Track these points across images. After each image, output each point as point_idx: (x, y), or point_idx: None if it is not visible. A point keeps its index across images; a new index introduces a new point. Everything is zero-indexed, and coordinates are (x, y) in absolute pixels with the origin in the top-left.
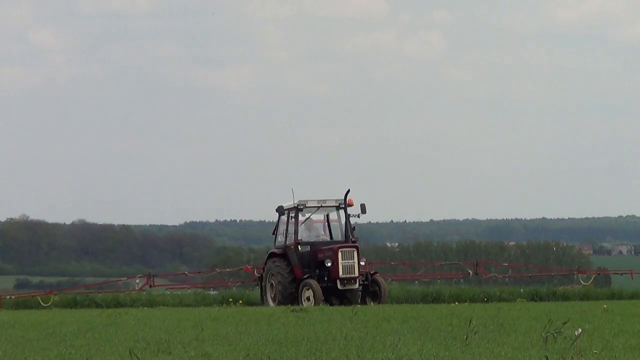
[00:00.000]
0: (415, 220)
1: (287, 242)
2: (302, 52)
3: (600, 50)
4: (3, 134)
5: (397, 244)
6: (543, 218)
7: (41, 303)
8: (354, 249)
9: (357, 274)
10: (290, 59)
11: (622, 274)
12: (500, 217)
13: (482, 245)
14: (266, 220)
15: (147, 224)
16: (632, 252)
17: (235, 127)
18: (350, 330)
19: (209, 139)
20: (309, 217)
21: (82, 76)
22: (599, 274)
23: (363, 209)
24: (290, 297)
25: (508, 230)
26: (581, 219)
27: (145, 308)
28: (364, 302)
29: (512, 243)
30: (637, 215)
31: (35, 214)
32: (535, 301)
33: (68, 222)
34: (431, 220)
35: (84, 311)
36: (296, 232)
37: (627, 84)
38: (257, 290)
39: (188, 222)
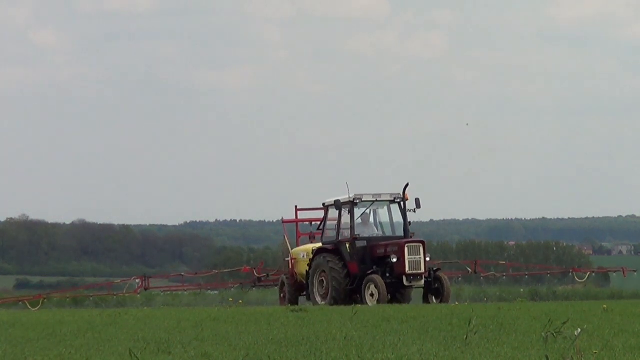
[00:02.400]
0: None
1: (341, 237)
2: (302, 52)
3: (601, 50)
4: (3, 134)
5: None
6: (543, 218)
7: (29, 307)
8: (420, 244)
9: (423, 270)
10: (291, 59)
11: (615, 272)
12: (500, 217)
13: (482, 245)
14: (266, 220)
15: (147, 224)
16: (632, 252)
17: (235, 127)
18: (350, 330)
19: (209, 139)
20: (365, 211)
21: (83, 76)
22: (593, 273)
23: (418, 203)
24: (345, 294)
25: (508, 230)
26: (581, 219)
27: (145, 308)
28: (426, 300)
29: (512, 243)
30: (637, 215)
31: (35, 214)
32: (535, 301)
33: (68, 222)
34: (431, 220)
35: (84, 311)
36: (352, 227)
37: (627, 83)
38: (254, 291)
39: (188, 222)
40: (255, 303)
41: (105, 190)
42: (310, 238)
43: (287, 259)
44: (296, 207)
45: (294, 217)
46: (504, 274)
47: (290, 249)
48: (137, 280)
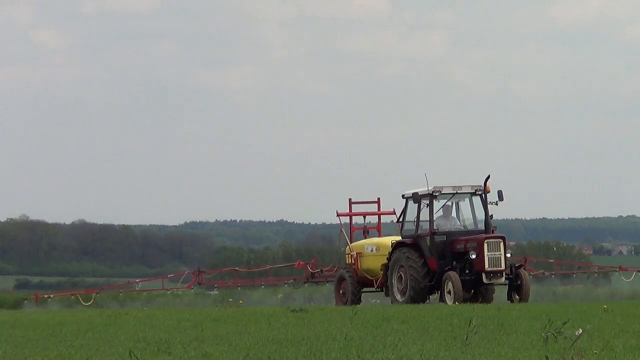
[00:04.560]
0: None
1: (420, 232)
2: (303, 51)
3: (601, 50)
4: (3, 134)
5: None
6: (543, 218)
7: (82, 302)
8: (501, 240)
9: (504, 266)
10: (292, 58)
11: (610, 271)
12: (500, 217)
13: None
14: (266, 220)
15: (147, 224)
16: (632, 252)
17: (236, 127)
18: (350, 330)
19: (209, 139)
20: (445, 204)
21: (83, 76)
22: (597, 273)
23: (500, 195)
24: (424, 291)
25: (508, 230)
26: (581, 219)
27: (145, 308)
28: (510, 298)
29: (512, 243)
30: (637, 215)
31: (35, 214)
32: (536, 301)
33: (68, 222)
34: None
35: (84, 311)
36: (431, 221)
37: (627, 83)
38: (306, 287)
39: (188, 222)
40: (255, 303)
41: (105, 190)
42: (364, 233)
43: (347, 254)
44: (350, 200)
45: (348, 211)
46: (553, 272)
47: (348, 242)
48: (190, 275)
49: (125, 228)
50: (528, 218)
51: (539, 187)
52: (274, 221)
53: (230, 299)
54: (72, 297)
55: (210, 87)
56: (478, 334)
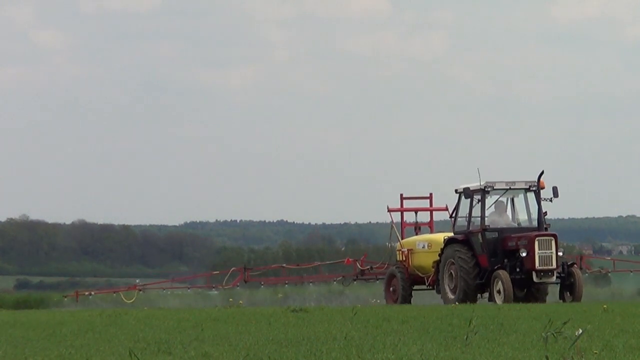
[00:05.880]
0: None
1: (471, 228)
2: (304, 51)
3: (601, 50)
4: (3, 134)
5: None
6: None
7: (124, 299)
8: (552, 238)
9: (555, 265)
10: (292, 58)
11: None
12: None
13: None
14: (266, 220)
15: (147, 224)
16: (632, 252)
17: (236, 126)
18: (350, 330)
19: (209, 139)
20: (498, 199)
21: (83, 76)
22: (600, 271)
23: (555, 192)
24: (474, 290)
25: None
26: (581, 219)
27: (145, 308)
28: (562, 297)
29: None
30: (637, 215)
31: (35, 214)
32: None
33: (68, 222)
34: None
35: (84, 311)
36: (483, 217)
37: (627, 83)
38: (355, 285)
39: (188, 222)
40: (255, 303)
41: (105, 190)
42: (415, 229)
43: (398, 250)
44: (401, 195)
45: (399, 206)
46: (610, 270)
47: (399, 238)
48: (236, 272)
49: (125, 228)
50: None
51: None
52: (274, 221)
53: (230, 299)
54: (114, 294)
55: (210, 87)
56: (478, 334)
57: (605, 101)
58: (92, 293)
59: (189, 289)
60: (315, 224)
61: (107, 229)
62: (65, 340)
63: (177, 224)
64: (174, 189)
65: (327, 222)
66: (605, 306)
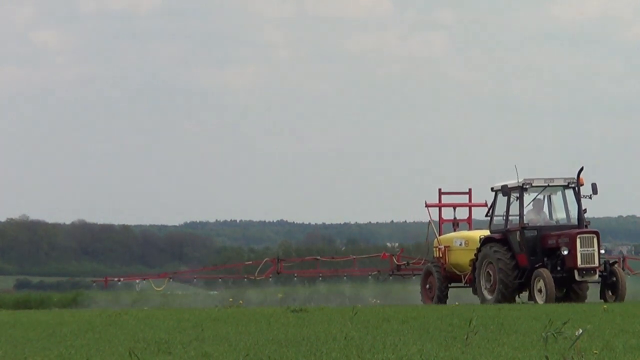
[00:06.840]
0: (416, 220)
1: (509, 226)
2: (304, 51)
3: (601, 50)
4: (4, 134)
5: (397, 244)
6: None
7: (153, 287)
8: (594, 235)
9: (597, 263)
10: (292, 58)
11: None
12: None
13: None
14: (266, 220)
15: (147, 224)
16: (633, 252)
17: (236, 126)
18: (350, 330)
19: (210, 139)
20: (536, 197)
21: (83, 76)
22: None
23: (594, 189)
24: (513, 289)
25: None
26: None
27: (145, 308)
28: (603, 297)
29: None
30: (637, 215)
31: (35, 214)
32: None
33: (68, 222)
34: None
35: (84, 311)
36: (521, 215)
37: (627, 84)
38: (391, 281)
39: (188, 222)
40: (255, 303)
41: (105, 190)
42: (453, 225)
43: (435, 247)
44: (440, 190)
45: (437, 202)
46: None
47: (437, 234)
48: (269, 263)
49: (125, 228)
50: None
51: None
52: (274, 221)
53: (231, 299)
54: (144, 281)
55: (211, 87)
56: (478, 334)
57: (605, 101)
58: (121, 279)
59: (220, 279)
60: (315, 224)
61: (107, 229)
62: (65, 340)
63: (177, 224)
64: (174, 189)
65: (327, 222)
66: (605, 306)
